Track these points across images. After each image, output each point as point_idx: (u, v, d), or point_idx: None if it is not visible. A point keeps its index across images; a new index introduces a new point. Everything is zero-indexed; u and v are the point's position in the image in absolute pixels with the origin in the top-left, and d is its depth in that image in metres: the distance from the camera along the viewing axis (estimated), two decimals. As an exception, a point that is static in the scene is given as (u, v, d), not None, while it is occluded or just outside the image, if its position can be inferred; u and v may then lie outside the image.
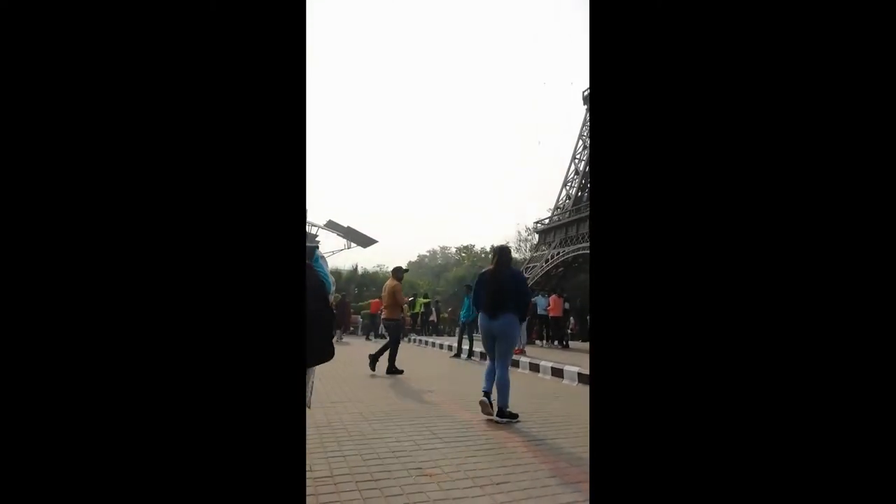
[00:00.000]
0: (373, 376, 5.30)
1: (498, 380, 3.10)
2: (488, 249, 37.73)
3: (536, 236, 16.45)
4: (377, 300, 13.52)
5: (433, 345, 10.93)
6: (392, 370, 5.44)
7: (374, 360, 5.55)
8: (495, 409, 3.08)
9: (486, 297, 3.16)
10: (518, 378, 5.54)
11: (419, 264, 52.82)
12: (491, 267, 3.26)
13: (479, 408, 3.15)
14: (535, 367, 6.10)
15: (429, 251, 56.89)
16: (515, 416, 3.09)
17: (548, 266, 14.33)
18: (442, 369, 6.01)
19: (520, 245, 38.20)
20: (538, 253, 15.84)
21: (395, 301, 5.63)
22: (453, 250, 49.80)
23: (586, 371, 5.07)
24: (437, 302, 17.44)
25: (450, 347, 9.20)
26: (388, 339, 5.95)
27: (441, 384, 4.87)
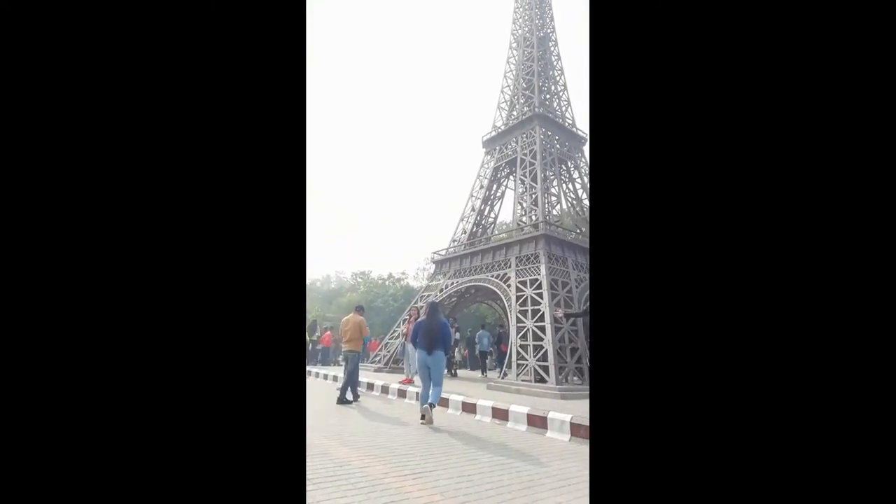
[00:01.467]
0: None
1: (434, 391, 4.53)
2: (385, 276, 37.45)
3: (433, 266, 16.89)
4: (329, 333, 15.43)
5: (317, 375, 10.16)
6: (344, 400, 5.66)
7: (342, 394, 5.67)
8: (428, 416, 4.26)
9: (424, 340, 4.65)
10: (404, 409, 5.41)
11: (310, 288, 49.58)
12: (426, 318, 4.79)
13: (420, 414, 4.34)
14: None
15: (323, 276, 53.93)
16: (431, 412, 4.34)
17: (441, 295, 14.71)
18: (321, 403, 5.58)
19: (417, 273, 38.72)
20: (433, 282, 16.20)
21: (360, 335, 6.26)
22: (349, 275, 48.08)
23: (471, 400, 5.19)
24: (326, 329, 16.44)
25: (335, 378, 8.65)
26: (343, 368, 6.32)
27: (319, 419, 4.50)
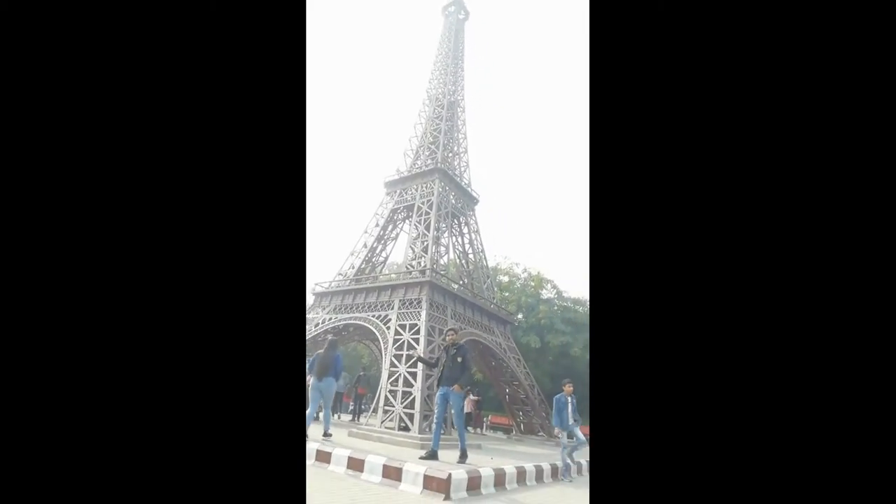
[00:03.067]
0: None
1: (324, 413, 6.10)
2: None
3: (312, 297, 15.90)
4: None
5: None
6: None
7: None
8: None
9: (318, 368, 5.86)
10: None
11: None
12: (324, 351, 6.04)
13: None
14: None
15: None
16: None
17: (316, 331, 13.85)
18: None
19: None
20: (310, 315, 15.21)
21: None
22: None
23: (326, 448, 4.88)
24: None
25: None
26: None
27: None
